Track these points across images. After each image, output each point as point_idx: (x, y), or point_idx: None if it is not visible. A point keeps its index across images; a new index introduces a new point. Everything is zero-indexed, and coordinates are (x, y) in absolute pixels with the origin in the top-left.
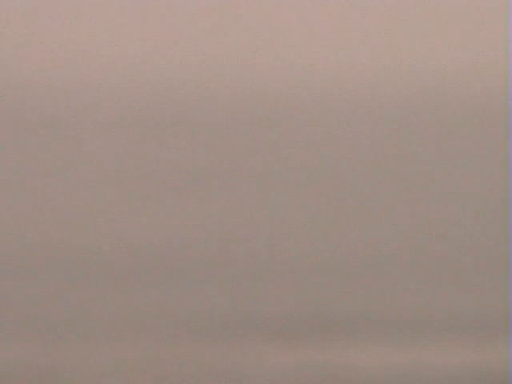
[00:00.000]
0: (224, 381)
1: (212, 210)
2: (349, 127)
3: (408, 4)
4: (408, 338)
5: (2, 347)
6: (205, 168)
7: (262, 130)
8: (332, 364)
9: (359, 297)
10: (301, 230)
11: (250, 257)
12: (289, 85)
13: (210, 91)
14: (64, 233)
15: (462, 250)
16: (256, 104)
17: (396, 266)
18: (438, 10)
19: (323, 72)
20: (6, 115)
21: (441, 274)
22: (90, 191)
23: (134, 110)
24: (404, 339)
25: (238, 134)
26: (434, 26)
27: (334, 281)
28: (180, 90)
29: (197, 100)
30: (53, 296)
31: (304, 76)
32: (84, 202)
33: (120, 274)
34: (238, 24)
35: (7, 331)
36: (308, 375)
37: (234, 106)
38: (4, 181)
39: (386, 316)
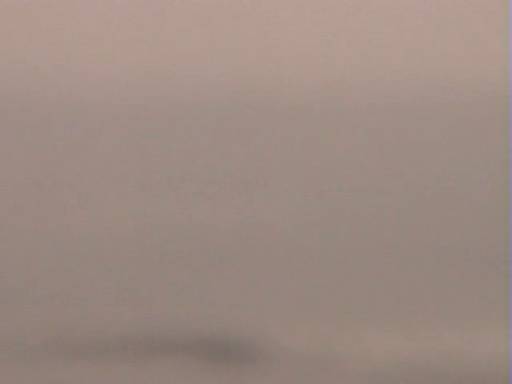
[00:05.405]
0: None
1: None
2: (350, 130)
3: (410, 8)
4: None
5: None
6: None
7: (263, 132)
8: None
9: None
10: (301, 230)
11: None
12: (290, 89)
13: (212, 93)
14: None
15: (462, 250)
16: (256, 105)
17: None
18: (438, 14)
19: (326, 78)
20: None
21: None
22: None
23: (133, 109)
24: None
25: (239, 134)
26: (435, 30)
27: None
28: (180, 91)
29: (198, 100)
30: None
31: (305, 81)
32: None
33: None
34: (242, 29)
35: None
36: None
37: (234, 107)
38: (5, 181)
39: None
